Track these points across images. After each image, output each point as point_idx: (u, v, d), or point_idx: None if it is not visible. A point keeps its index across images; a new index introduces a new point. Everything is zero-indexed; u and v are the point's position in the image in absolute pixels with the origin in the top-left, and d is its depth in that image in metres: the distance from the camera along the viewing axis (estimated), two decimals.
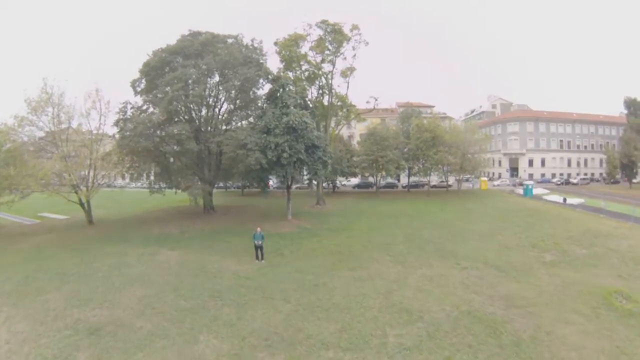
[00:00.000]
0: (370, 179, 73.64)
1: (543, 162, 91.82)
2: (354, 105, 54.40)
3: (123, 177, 49.42)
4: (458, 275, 21.55)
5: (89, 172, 39.53)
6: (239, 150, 32.08)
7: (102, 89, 40.84)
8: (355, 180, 77.65)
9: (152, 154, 36.12)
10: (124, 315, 16.61)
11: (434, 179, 71.78)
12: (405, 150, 59.64)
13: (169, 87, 34.09)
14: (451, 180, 68.85)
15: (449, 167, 59.65)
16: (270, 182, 79.21)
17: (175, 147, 36.67)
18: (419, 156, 58.62)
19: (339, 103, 52.59)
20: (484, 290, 19.19)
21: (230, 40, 39.51)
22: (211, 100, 39.88)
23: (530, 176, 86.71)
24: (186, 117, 38.85)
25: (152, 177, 41.20)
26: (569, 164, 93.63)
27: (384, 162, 54.99)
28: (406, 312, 16.59)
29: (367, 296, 18.54)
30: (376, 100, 52.87)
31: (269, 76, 37.29)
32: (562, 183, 78.99)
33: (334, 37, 49.67)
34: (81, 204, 39.84)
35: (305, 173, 38.70)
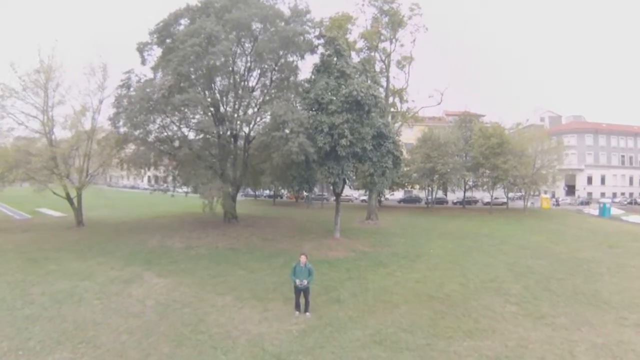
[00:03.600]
0: (418, 194, 62.14)
1: (603, 180, 77.02)
2: (413, 102, 42.81)
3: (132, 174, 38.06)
4: None
5: (83, 162, 29.47)
6: (274, 131, 20.61)
7: (109, 64, 30.59)
8: (399, 194, 65.83)
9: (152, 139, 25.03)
10: None
11: (488, 195, 59.67)
12: (467, 158, 47.53)
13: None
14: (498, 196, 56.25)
15: (516, 180, 47.28)
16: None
17: (182, 127, 25.63)
18: (484, 165, 46.20)
19: (395, 99, 41.10)
20: None
21: (268, 2, 28.22)
22: (238, 77, 28.82)
23: (590, 195, 72.33)
24: (203, 86, 27.00)
25: (149, 174, 30.07)
26: (631, 182, 78.46)
27: (445, 171, 42.86)
28: None
29: None
30: (442, 94, 41.10)
31: (321, 37, 25.50)
32: (629, 202, 66.12)
33: (390, 18, 38.71)
34: (69, 200, 29.83)
35: (353, 177, 26.95)
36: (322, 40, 24.92)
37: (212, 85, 27.73)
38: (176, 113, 24.57)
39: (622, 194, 74.68)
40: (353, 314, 12.78)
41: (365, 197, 61.65)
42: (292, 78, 29.44)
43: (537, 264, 20.70)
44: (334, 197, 27.61)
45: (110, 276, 16.88)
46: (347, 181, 24.80)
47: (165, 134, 26.75)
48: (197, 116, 25.85)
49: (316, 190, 67.14)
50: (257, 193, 68.25)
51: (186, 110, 23.99)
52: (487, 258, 21.91)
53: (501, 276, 18.16)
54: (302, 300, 12.60)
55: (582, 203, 64.23)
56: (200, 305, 13.44)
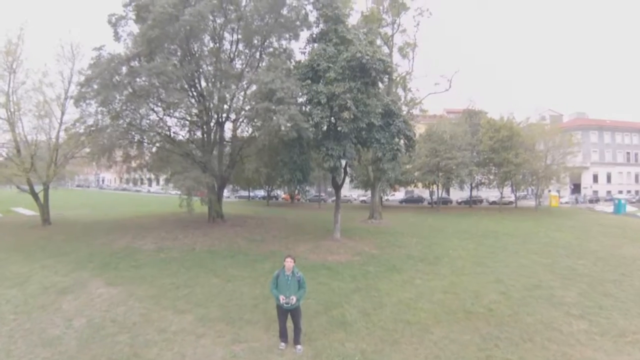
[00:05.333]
0: (420, 193, 58.10)
1: (609, 178, 72.57)
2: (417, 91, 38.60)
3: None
4: None
5: (51, 152, 25.52)
6: (260, 103, 16.23)
7: (82, 45, 26.60)
8: (400, 195, 61.62)
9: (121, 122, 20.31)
10: None
11: (494, 194, 55.79)
12: (474, 154, 43.18)
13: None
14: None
15: (525, 177, 43.18)
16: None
17: (156, 108, 21.02)
18: (493, 160, 41.86)
19: (398, 89, 36.73)
20: None
21: None
22: (225, 58, 24.26)
23: (595, 193, 68.59)
24: (181, 60, 21.66)
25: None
26: (637, 180, 74.23)
27: (452, 166, 38.54)
28: None
29: None
30: (449, 81, 36.74)
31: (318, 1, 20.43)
32: (637, 200, 62.37)
33: (392, 1, 34.54)
34: (34, 195, 25.87)
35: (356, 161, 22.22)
36: (318, 5, 20.20)
37: (191, 58, 23.00)
38: (148, 91, 19.89)
39: (629, 191, 70.48)
40: (367, 345, 8.36)
41: (365, 198, 57.50)
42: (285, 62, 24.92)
43: (579, 265, 16.58)
44: (332, 199, 23.06)
45: (47, 283, 12.75)
46: (348, 171, 20.30)
47: (139, 120, 22.14)
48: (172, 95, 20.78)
49: (313, 191, 62.92)
50: (250, 194, 63.71)
51: (160, 87, 19.26)
52: (518, 259, 17.67)
53: (545, 280, 13.99)
54: (290, 325, 8.21)
55: (591, 201, 60.35)
56: (144, 328, 9.10)
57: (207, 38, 23.45)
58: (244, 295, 11.46)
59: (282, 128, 14.96)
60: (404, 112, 33.44)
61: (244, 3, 22.64)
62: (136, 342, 8.37)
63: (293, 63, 22.18)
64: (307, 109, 17.19)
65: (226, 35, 24.31)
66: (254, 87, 20.12)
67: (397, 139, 18.68)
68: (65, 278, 13.37)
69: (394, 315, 10.06)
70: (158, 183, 68.76)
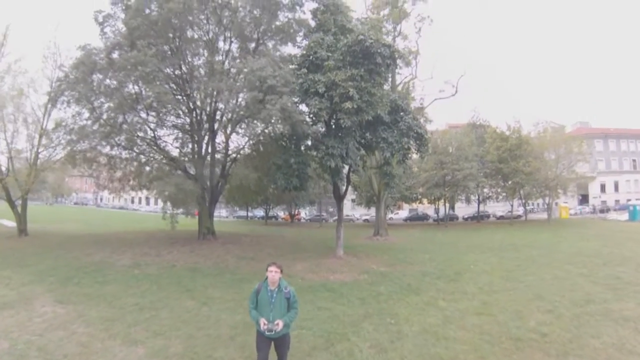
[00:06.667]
0: (424, 211, 55.52)
1: (617, 186, 69.59)
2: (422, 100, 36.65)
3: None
4: None
5: (32, 157, 24.00)
6: (251, 92, 13.75)
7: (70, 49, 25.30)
8: (403, 213, 59.18)
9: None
10: None
11: (500, 209, 53.34)
12: (481, 165, 40.76)
13: None
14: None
15: (533, 189, 40.44)
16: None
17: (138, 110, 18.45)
18: (502, 171, 39.34)
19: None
20: None
21: None
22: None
23: (604, 203, 64.82)
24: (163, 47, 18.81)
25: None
26: None
27: (460, 178, 36.10)
28: None
29: None
30: (455, 86, 34.83)
31: None
32: None
33: (392, 9, 33.05)
34: (10, 203, 24.20)
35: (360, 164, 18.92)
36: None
37: (177, 52, 20.53)
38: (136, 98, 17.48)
39: (637, 199, 67.51)
40: None
41: (367, 217, 54.95)
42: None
43: (621, 273, 14.20)
44: (334, 218, 20.41)
45: None
46: (351, 179, 17.66)
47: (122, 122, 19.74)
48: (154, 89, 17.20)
49: (314, 211, 60.56)
50: (248, 214, 61.29)
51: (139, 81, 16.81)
52: (551, 270, 15.07)
53: (593, 293, 11.46)
54: None
55: (601, 211, 57.68)
56: None
57: (201, 45, 21.32)
58: (220, 323, 8.72)
59: (273, 120, 12.40)
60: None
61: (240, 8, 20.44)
62: None
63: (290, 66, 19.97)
64: (304, 103, 14.82)
65: (220, 44, 22.29)
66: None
67: (406, 138, 16.16)
68: (12, 292, 11.08)
69: (419, 350, 7.30)
70: (156, 202, 66.41)
